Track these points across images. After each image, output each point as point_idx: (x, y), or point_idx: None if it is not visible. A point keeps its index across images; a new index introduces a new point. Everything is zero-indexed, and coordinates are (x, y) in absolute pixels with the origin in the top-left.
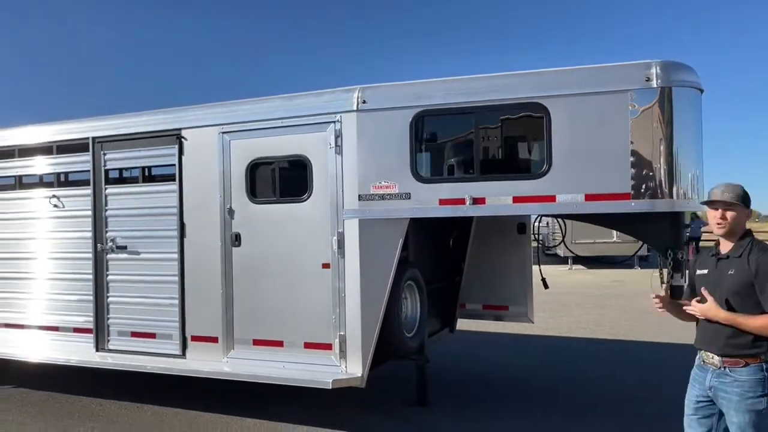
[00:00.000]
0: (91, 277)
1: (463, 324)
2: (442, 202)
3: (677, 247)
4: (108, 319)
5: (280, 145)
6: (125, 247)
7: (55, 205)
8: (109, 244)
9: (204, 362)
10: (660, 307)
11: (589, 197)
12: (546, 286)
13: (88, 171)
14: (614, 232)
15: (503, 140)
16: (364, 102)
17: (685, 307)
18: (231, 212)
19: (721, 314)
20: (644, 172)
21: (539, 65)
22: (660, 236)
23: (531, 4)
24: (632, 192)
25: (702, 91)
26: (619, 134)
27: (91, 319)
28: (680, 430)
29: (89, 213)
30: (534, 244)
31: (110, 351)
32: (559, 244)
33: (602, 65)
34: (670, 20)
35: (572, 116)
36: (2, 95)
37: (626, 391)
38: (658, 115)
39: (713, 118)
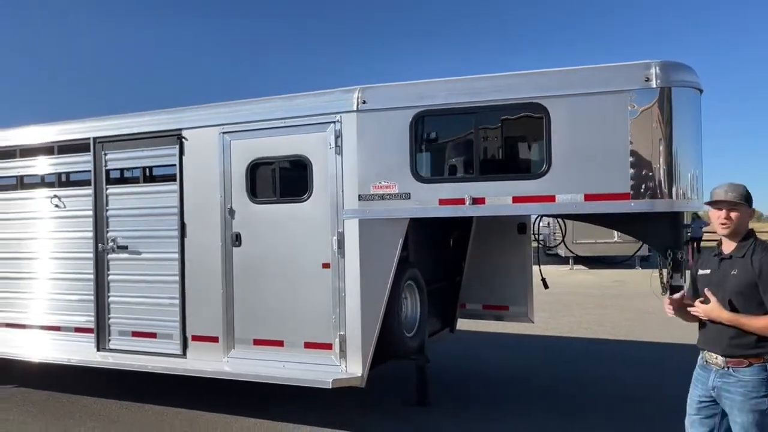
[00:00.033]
0: (92, 276)
1: (463, 324)
2: (442, 202)
3: (677, 247)
4: (109, 318)
5: (280, 146)
6: (126, 247)
7: (57, 205)
8: (110, 244)
9: (204, 362)
10: (673, 312)
11: (588, 197)
12: (546, 286)
13: (89, 171)
14: (615, 232)
15: (503, 140)
16: (364, 102)
17: (688, 308)
18: (231, 212)
19: (725, 315)
20: (644, 172)
21: (539, 65)
22: (659, 236)
23: (531, 4)
24: (632, 192)
25: (701, 91)
26: (618, 134)
27: (92, 318)
28: (680, 430)
29: (90, 213)
30: (534, 244)
31: (111, 351)
32: (559, 244)
33: (602, 65)
34: (670, 20)
35: (572, 116)
36: (2, 95)
37: (626, 391)
38: (657, 116)
39: (713, 118)
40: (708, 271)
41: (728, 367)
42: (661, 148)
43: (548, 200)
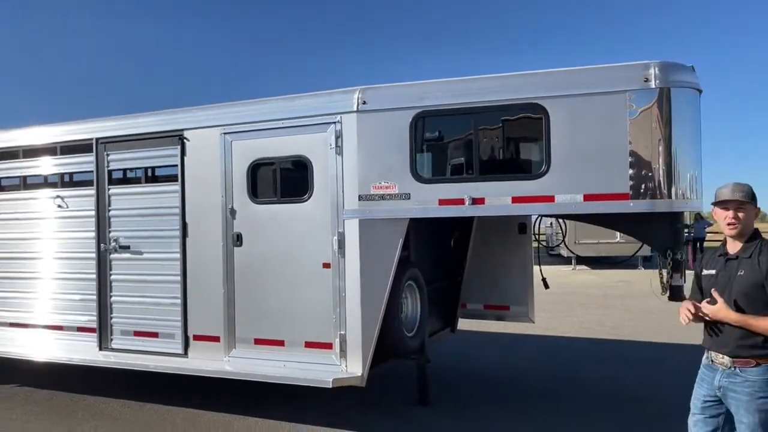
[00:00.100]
0: (94, 276)
1: (464, 324)
2: (442, 202)
3: (676, 248)
4: (111, 318)
5: (281, 146)
6: (128, 247)
7: (59, 206)
8: (112, 244)
9: (206, 361)
10: (689, 321)
11: (587, 197)
12: (546, 286)
13: (92, 171)
14: (618, 232)
15: (503, 141)
16: (364, 103)
17: (695, 310)
18: (233, 212)
19: (732, 316)
20: (643, 173)
21: (539, 65)
22: (659, 236)
23: (531, 4)
24: (631, 192)
25: (701, 91)
26: (617, 135)
27: (95, 318)
28: (681, 431)
29: (93, 213)
30: (535, 244)
31: (113, 350)
32: (560, 244)
33: (601, 66)
34: (670, 20)
35: (571, 117)
36: (2, 95)
37: (626, 392)
38: (656, 116)
39: (712, 119)
40: (713, 272)
41: (735, 367)
42: (660, 148)
43: (548, 200)
